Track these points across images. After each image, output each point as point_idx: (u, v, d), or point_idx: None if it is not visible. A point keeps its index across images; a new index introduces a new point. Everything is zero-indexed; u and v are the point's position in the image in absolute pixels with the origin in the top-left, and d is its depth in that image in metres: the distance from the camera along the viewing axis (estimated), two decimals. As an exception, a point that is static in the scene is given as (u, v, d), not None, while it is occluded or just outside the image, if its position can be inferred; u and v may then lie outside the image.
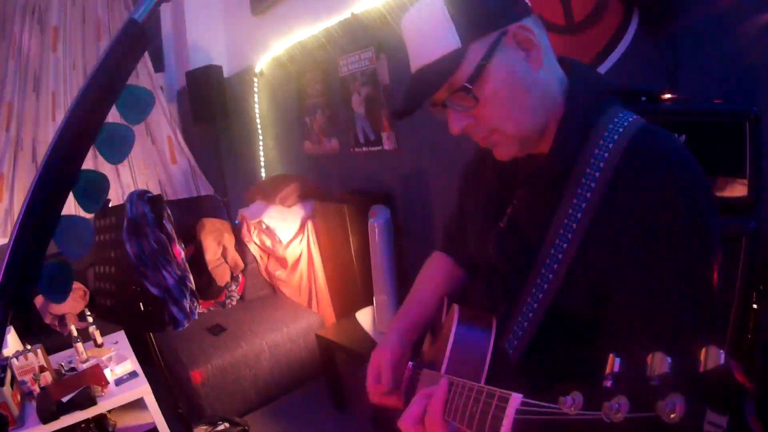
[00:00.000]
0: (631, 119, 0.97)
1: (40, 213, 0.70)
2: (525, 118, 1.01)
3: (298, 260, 4.18)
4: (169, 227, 2.27)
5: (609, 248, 0.92)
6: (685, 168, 0.90)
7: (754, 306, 1.47)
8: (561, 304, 0.98)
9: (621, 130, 0.95)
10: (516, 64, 0.97)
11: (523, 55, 0.98)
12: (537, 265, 1.00)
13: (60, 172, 0.71)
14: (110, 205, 2.36)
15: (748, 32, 1.66)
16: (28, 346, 2.90)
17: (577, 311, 0.99)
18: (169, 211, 2.33)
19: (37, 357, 2.87)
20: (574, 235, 0.95)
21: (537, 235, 1.02)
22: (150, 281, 2.15)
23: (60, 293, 0.74)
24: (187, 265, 2.37)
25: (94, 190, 0.77)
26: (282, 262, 4.29)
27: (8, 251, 0.67)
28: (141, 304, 2.20)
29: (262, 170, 5.21)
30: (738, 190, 1.46)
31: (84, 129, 0.73)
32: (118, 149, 0.79)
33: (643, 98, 1.19)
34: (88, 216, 0.84)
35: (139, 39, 0.79)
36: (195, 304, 2.34)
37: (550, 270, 0.98)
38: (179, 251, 2.33)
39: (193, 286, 2.35)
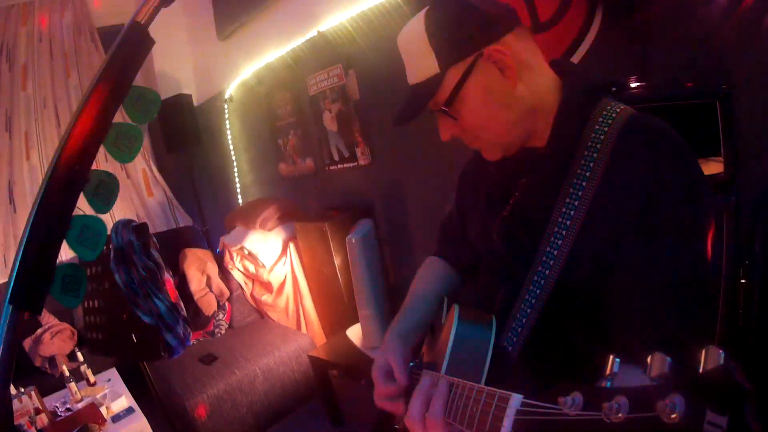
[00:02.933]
0: (621, 108, 1.04)
1: (51, 213, 0.69)
2: (503, 130, 1.09)
3: (283, 283, 4.17)
4: (156, 255, 2.25)
5: (610, 221, 0.97)
6: (675, 145, 0.97)
7: (743, 281, 1.50)
8: (565, 280, 1.02)
9: (614, 116, 1.02)
10: (492, 83, 1.05)
11: (499, 73, 1.04)
12: (542, 245, 1.05)
13: (71, 173, 0.71)
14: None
15: (712, 13, 1.71)
16: (22, 389, 2.83)
17: (581, 288, 1.02)
18: (155, 239, 2.31)
19: (31, 399, 2.81)
20: (577, 213, 1.00)
21: (541, 218, 1.06)
22: (141, 309, 2.13)
23: (74, 296, 0.73)
24: (177, 292, 2.35)
25: (105, 190, 0.78)
26: (267, 286, 4.28)
27: (19, 253, 0.66)
28: (133, 334, 2.18)
29: (239, 196, 5.20)
30: (715, 168, 1.49)
31: (93, 129, 0.74)
32: (127, 148, 0.80)
33: (614, 88, 1.24)
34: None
35: (143, 40, 0.81)
36: (188, 330, 2.31)
37: (555, 246, 1.03)
38: (168, 278, 2.31)
39: (185, 313, 2.33)
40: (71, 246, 0.72)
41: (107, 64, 0.79)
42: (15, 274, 0.67)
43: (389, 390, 1.24)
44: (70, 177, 0.72)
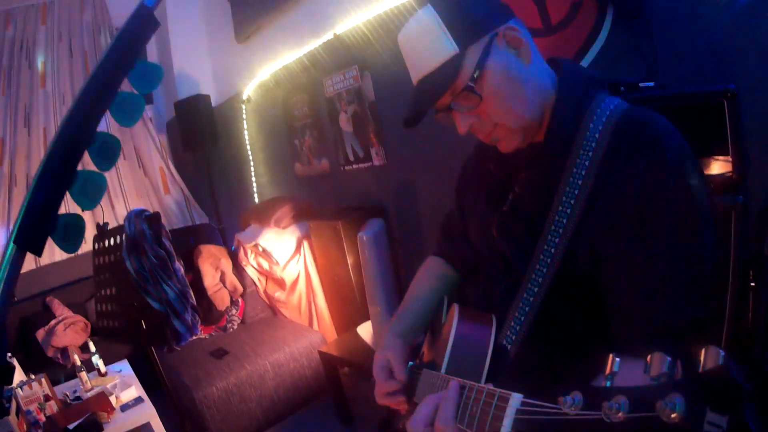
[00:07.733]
0: (617, 102, 1.05)
1: (57, 167, 0.74)
2: (524, 109, 1.09)
3: (296, 281, 4.19)
4: (168, 244, 2.30)
5: (607, 216, 0.98)
6: (670, 139, 0.97)
7: (752, 284, 1.46)
8: (564, 275, 1.03)
9: (609, 111, 1.03)
10: (509, 61, 1.06)
11: (514, 52, 1.07)
12: (541, 240, 1.05)
13: (78, 133, 0.76)
14: (107, 228, 2.39)
15: (721, 14, 1.73)
16: (32, 376, 2.86)
17: (579, 283, 1.03)
18: (167, 229, 2.35)
19: (41, 386, 2.83)
20: (574, 208, 1.01)
21: (539, 212, 1.07)
22: (151, 296, 2.17)
23: (72, 243, 0.78)
24: (187, 280, 2.39)
25: (108, 150, 0.83)
26: (280, 283, 4.30)
27: (26, 201, 0.71)
28: (143, 321, 2.22)
29: (255, 196, 5.22)
30: (723, 168, 1.47)
31: (101, 95, 0.79)
32: (129, 114, 0.85)
33: (622, 88, 1.26)
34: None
35: (149, 21, 0.87)
36: (196, 318, 2.35)
37: (553, 243, 1.03)
38: (179, 267, 2.35)
39: (194, 302, 2.36)
40: (73, 196, 0.77)
41: (116, 41, 0.85)
42: (20, 218, 0.72)
43: (389, 386, 1.27)
44: (76, 136, 0.77)
